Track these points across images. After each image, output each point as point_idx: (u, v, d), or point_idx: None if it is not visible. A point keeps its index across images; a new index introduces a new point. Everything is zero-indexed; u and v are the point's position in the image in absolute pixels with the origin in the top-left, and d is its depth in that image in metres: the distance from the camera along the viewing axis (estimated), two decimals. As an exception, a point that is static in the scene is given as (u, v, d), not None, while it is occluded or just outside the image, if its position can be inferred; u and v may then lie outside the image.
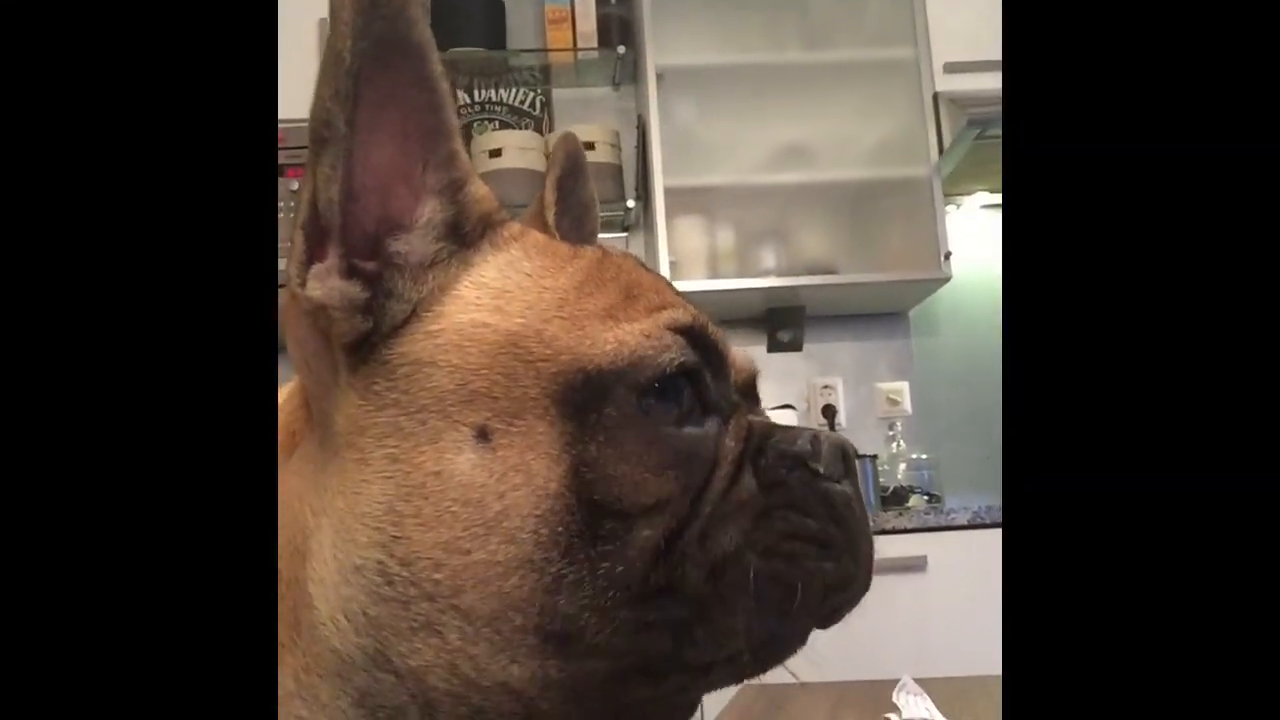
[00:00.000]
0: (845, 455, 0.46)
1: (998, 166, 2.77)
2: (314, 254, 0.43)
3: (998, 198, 3.00)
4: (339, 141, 0.42)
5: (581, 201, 0.63)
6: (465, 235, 0.46)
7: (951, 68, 2.71)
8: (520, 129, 2.95)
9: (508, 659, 0.40)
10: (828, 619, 0.45)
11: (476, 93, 2.99)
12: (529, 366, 0.42)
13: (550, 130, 2.94)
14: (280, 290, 0.43)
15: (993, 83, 2.67)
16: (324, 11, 2.60)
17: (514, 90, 3.00)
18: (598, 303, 0.44)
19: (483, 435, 0.41)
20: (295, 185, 2.44)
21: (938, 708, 0.79)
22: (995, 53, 2.68)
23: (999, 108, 2.58)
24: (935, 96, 2.71)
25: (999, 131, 2.58)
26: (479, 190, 0.47)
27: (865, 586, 0.46)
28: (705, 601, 0.41)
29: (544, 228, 0.58)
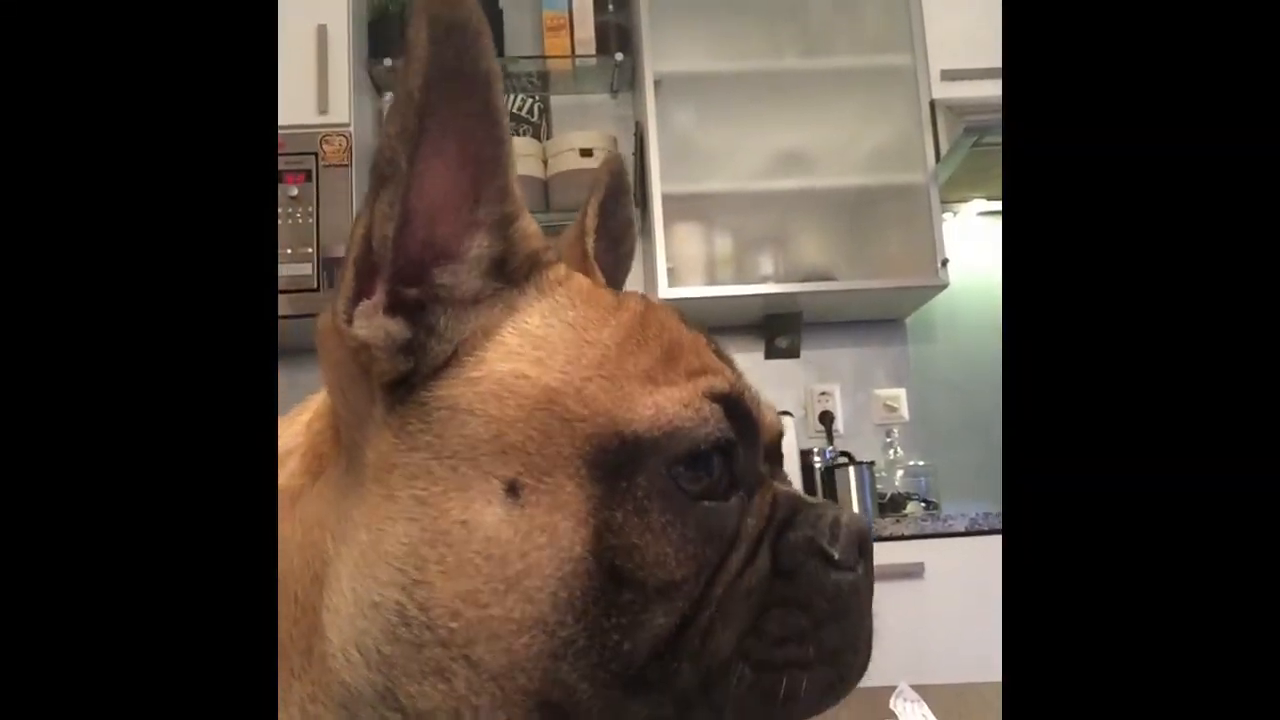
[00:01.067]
0: (863, 543, 0.46)
1: (994, 173, 2.78)
2: (362, 290, 0.43)
3: (994, 205, 3.00)
4: (400, 179, 0.42)
5: (620, 222, 0.62)
6: (511, 273, 0.46)
7: (948, 75, 2.71)
8: (518, 135, 2.95)
9: (504, 716, 0.41)
10: (819, 712, 0.45)
11: (475, 99, 2.99)
12: (565, 425, 0.42)
13: (549, 137, 2.95)
14: (320, 315, 0.44)
15: (989, 90, 2.68)
16: (323, 18, 2.61)
17: (512, 97, 3.01)
18: (639, 363, 0.44)
19: (512, 490, 0.41)
20: (294, 191, 2.41)
21: (935, 715, 0.79)
22: (992, 60, 2.69)
23: (996, 115, 2.59)
24: (932, 104, 2.72)
25: (996, 139, 2.59)
26: (529, 226, 0.46)
27: (861, 674, 0.46)
28: (692, 705, 0.41)
29: (583, 256, 0.58)
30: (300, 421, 0.49)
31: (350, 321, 0.43)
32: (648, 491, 0.41)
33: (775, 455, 0.51)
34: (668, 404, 0.43)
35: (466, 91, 0.42)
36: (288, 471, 0.47)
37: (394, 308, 0.44)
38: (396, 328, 0.43)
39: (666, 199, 2.66)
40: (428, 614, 0.40)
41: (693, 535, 0.42)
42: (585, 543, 0.40)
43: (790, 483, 0.50)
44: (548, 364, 0.43)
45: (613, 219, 0.62)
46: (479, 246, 0.45)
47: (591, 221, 0.60)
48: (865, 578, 0.45)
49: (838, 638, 0.43)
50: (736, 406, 0.45)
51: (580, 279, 0.49)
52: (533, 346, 0.44)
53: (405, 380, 0.43)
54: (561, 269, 0.48)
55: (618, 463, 0.41)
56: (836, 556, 0.44)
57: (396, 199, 0.42)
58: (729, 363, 0.49)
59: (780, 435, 0.51)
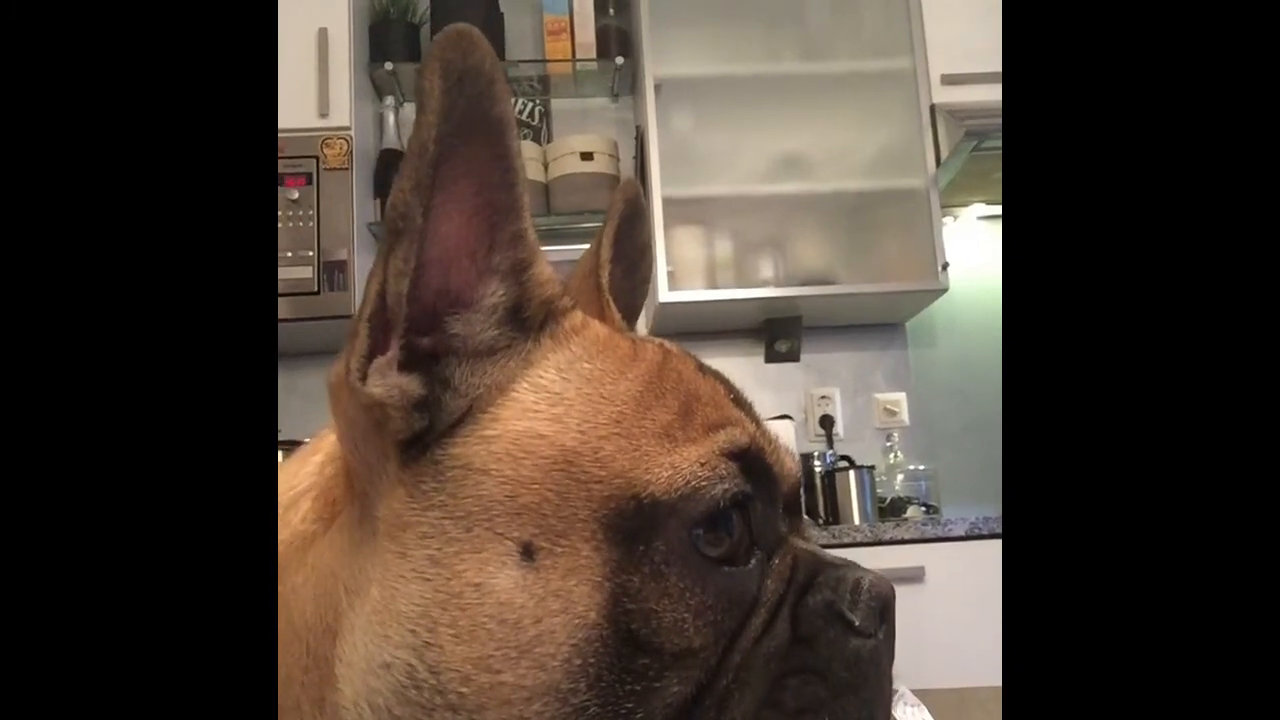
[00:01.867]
0: (885, 608, 0.45)
1: (994, 178, 2.78)
2: (376, 346, 0.42)
3: (994, 209, 3.01)
4: (414, 234, 0.41)
5: (637, 247, 0.62)
6: (526, 321, 0.45)
7: (949, 79, 2.72)
8: (520, 140, 2.95)
9: None
10: None
11: (475, 103, 2.99)
12: (581, 486, 0.41)
13: (549, 140, 2.95)
14: (331, 368, 0.43)
15: (990, 94, 2.68)
16: (323, 21, 2.61)
17: (513, 101, 3.01)
18: (656, 419, 0.43)
19: (527, 553, 0.40)
20: (295, 195, 2.41)
21: (935, 718, 0.78)
22: (992, 65, 2.69)
23: (996, 119, 2.59)
24: (932, 108, 2.72)
25: (996, 143, 2.59)
26: (544, 272, 0.45)
27: None
28: None
29: (597, 289, 0.57)
30: (313, 462, 0.48)
31: (364, 379, 0.42)
32: (666, 556, 0.41)
33: (794, 505, 0.50)
34: (685, 464, 0.42)
35: (480, 139, 0.41)
36: (300, 515, 0.46)
37: (408, 362, 0.43)
38: (411, 384, 0.43)
39: (667, 202, 2.66)
40: (438, 678, 0.40)
41: (712, 601, 0.41)
42: (601, 608, 0.40)
43: (810, 536, 0.49)
44: (564, 422, 0.43)
45: (628, 245, 0.61)
46: (494, 294, 0.44)
47: (606, 253, 0.59)
48: (886, 643, 0.45)
49: (856, 708, 0.42)
50: (756, 461, 0.44)
51: (596, 327, 0.48)
52: (549, 404, 0.43)
53: (420, 438, 0.43)
54: (578, 317, 0.47)
55: (635, 526, 0.41)
56: (857, 623, 0.43)
57: (412, 255, 0.41)
58: (747, 409, 0.48)
59: (799, 483, 0.50)
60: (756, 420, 0.48)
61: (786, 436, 2.72)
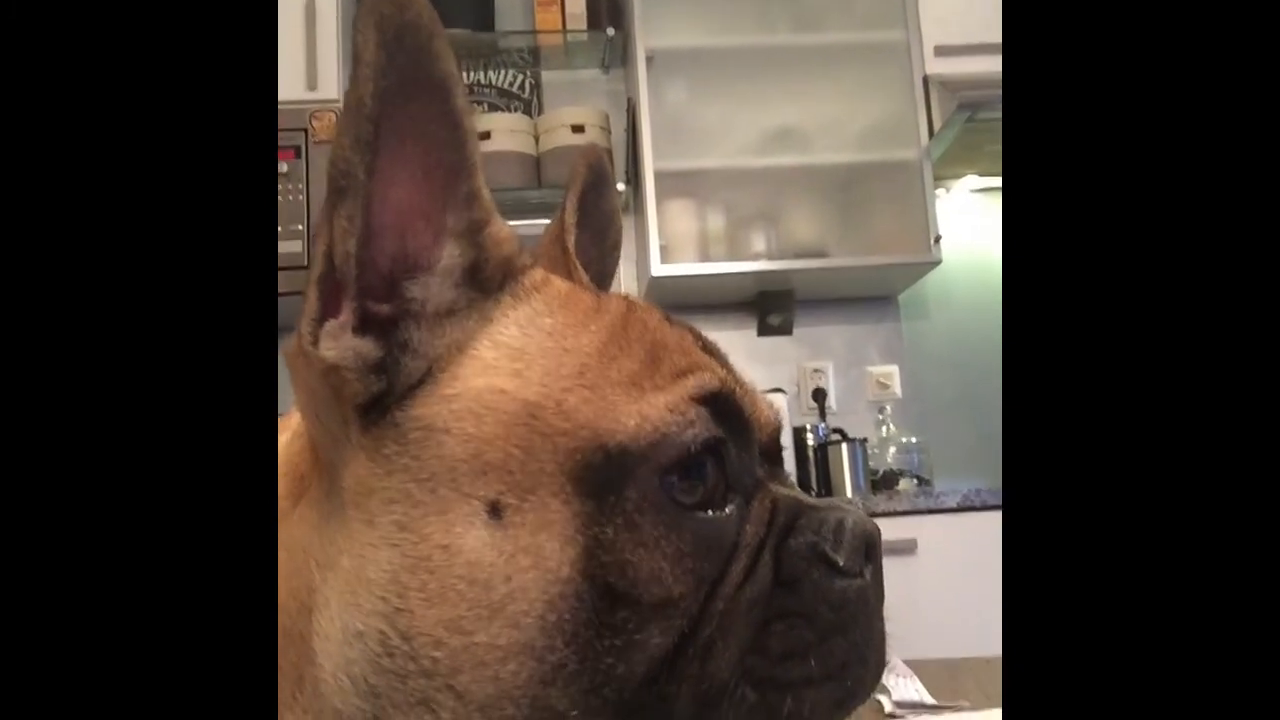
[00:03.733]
0: (869, 546, 0.44)
1: (988, 150, 2.77)
2: (327, 309, 0.42)
3: (987, 181, 3.00)
4: (358, 191, 0.40)
5: (604, 213, 0.60)
6: (485, 281, 0.44)
7: (942, 51, 2.70)
8: (509, 111, 2.93)
9: None
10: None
11: (465, 75, 2.97)
12: (546, 440, 0.40)
13: (540, 113, 2.93)
14: (289, 337, 0.42)
15: (983, 66, 2.66)
16: (311, -8, 2.58)
17: (503, 72, 2.99)
18: (622, 369, 0.42)
19: (494, 510, 0.40)
20: (284, 168, 2.41)
21: (927, 689, 0.79)
22: (986, 36, 2.68)
23: (990, 91, 2.58)
24: (925, 80, 2.71)
25: (989, 115, 2.58)
26: (500, 231, 0.45)
27: (874, 685, 0.44)
28: None
29: (563, 254, 0.56)
30: (281, 441, 0.47)
31: (316, 343, 0.41)
32: (638, 505, 0.40)
33: (774, 453, 0.49)
34: (653, 410, 0.41)
35: (423, 96, 0.40)
36: None
37: (363, 326, 0.42)
38: (367, 347, 0.42)
39: (659, 176, 2.65)
40: (410, 643, 0.39)
41: (689, 548, 0.40)
42: (574, 563, 0.39)
43: (791, 483, 0.48)
44: (526, 376, 0.42)
45: (595, 211, 0.59)
46: (450, 256, 0.43)
47: (571, 217, 0.58)
48: (873, 582, 0.44)
49: (844, 650, 0.42)
50: (727, 404, 0.43)
51: (558, 283, 0.47)
52: (510, 359, 0.42)
53: (379, 401, 0.42)
54: (538, 274, 0.46)
55: (605, 476, 0.40)
56: (841, 563, 0.42)
57: (357, 212, 0.40)
58: (719, 357, 0.48)
59: (778, 430, 0.49)
60: (728, 367, 0.47)
61: (780, 410, 2.71)
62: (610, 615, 0.39)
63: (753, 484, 0.44)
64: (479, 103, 2.96)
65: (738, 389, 0.45)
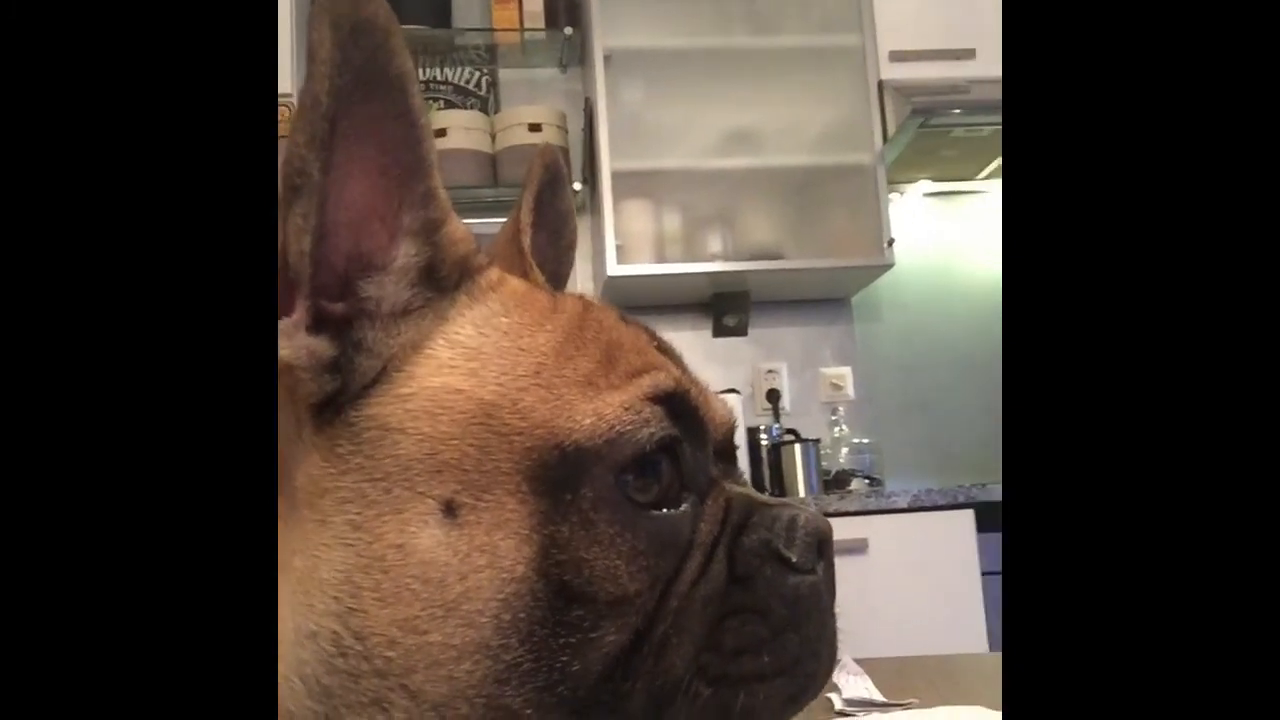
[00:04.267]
0: (821, 543, 0.44)
1: (941, 155, 2.82)
2: (281, 308, 0.41)
3: (940, 186, 3.04)
4: (313, 189, 0.40)
5: (560, 213, 0.60)
6: (441, 281, 0.44)
7: (896, 56, 2.73)
8: (465, 109, 2.91)
9: None
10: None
11: (421, 72, 2.95)
12: (502, 439, 0.40)
13: (496, 111, 2.91)
14: None
15: (937, 71, 2.70)
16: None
17: (459, 69, 2.97)
18: (577, 368, 0.43)
19: (449, 510, 0.39)
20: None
21: (877, 687, 0.80)
22: (939, 42, 2.72)
23: (943, 96, 2.61)
24: (880, 84, 2.74)
25: (942, 120, 2.62)
26: (457, 231, 0.44)
27: (826, 679, 0.45)
28: None
29: (519, 253, 0.56)
30: None
31: None
32: (594, 503, 0.40)
33: (727, 451, 0.49)
34: (608, 409, 0.41)
35: (380, 96, 0.40)
36: None
37: (317, 324, 0.42)
38: (321, 346, 0.41)
39: (616, 176, 2.65)
40: (364, 643, 0.39)
41: (644, 546, 0.40)
42: (529, 561, 0.39)
43: (745, 482, 0.49)
44: (481, 376, 0.42)
45: (550, 211, 0.59)
46: (405, 255, 0.43)
47: (527, 217, 0.58)
48: (825, 579, 0.44)
49: (797, 646, 0.42)
50: (681, 404, 0.44)
51: (514, 282, 0.47)
52: (465, 358, 0.42)
53: (332, 400, 0.41)
54: (494, 273, 0.46)
55: (560, 475, 0.40)
56: (794, 560, 0.43)
57: (311, 210, 0.40)
58: (674, 357, 0.48)
59: (732, 429, 0.50)
60: (683, 366, 0.47)
61: (734, 410, 2.72)
62: (565, 613, 0.39)
63: (707, 482, 0.44)
64: (435, 99, 2.93)
65: (692, 388, 0.45)
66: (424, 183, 0.43)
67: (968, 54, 2.72)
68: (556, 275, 0.60)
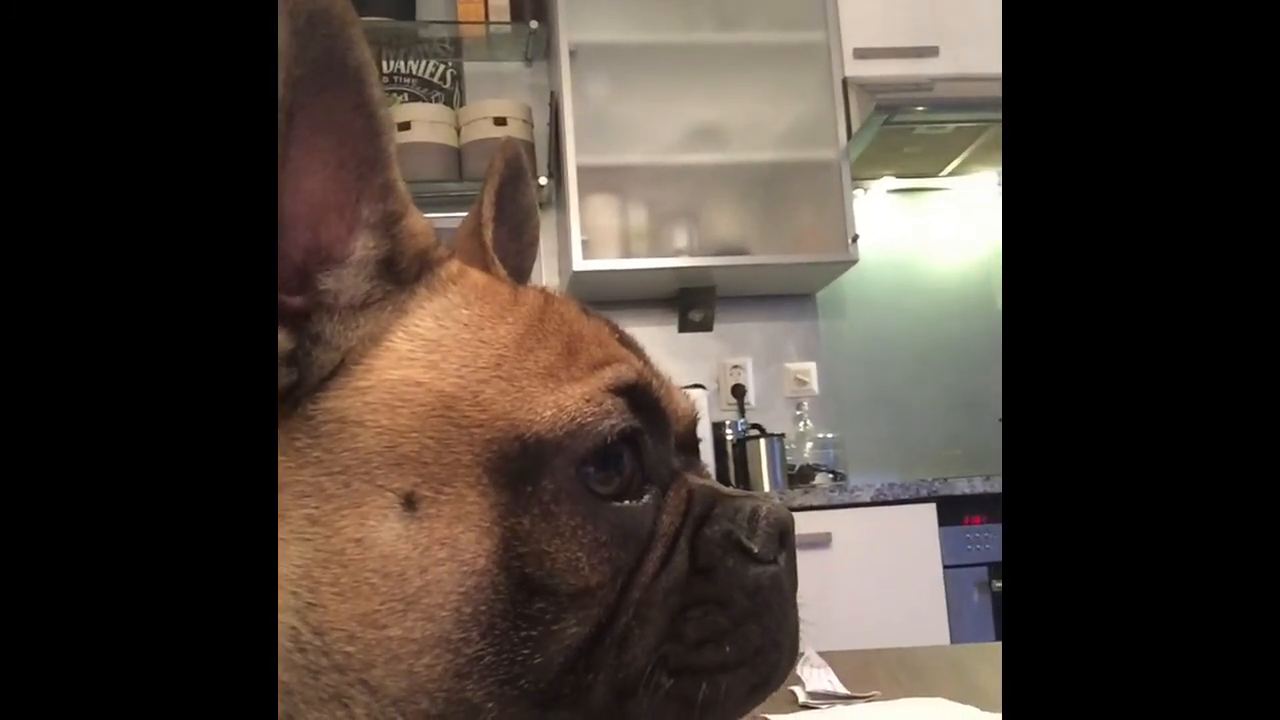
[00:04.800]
0: (782, 534, 0.45)
1: (905, 152, 2.84)
2: None
3: (903, 183, 3.07)
4: None
5: (521, 208, 0.60)
6: (400, 274, 0.44)
7: (861, 53, 2.75)
8: (430, 102, 2.89)
9: None
10: (742, 714, 0.44)
11: (385, 64, 2.93)
12: (462, 431, 0.40)
13: (461, 104, 2.90)
14: None
15: (901, 69, 2.72)
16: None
17: (424, 62, 2.95)
18: (538, 360, 0.42)
19: (409, 503, 0.39)
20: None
21: (840, 680, 0.80)
22: (903, 40, 2.73)
23: (906, 94, 2.63)
24: (845, 81, 2.75)
25: (906, 117, 2.64)
26: (416, 224, 0.44)
27: (787, 671, 0.45)
28: (609, 719, 0.40)
29: (480, 247, 0.56)
30: None
31: None
32: (555, 495, 0.40)
33: (690, 444, 0.49)
34: (569, 401, 0.41)
35: (337, 87, 0.40)
36: None
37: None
38: (279, 338, 0.41)
39: (581, 171, 2.64)
40: (323, 638, 0.38)
41: (606, 538, 0.40)
42: (490, 554, 0.39)
43: (707, 474, 0.49)
44: (442, 368, 0.42)
45: (512, 206, 0.59)
46: (364, 248, 0.43)
47: (488, 211, 0.57)
48: (787, 569, 0.45)
49: (759, 636, 0.42)
50: (643, 396, 0.43)
51: (475, 275, 0.47)
52: (425, 350, 0.42)
53: (290, 394, 0.41)
54: (454, 266, 0.46)
55: (521, 467, 0.40)
56: (756, 550, 0.43)
57: None
58: (636, 350, 0.48)
59: (694, 422, 0.50)
60: (645, 359, 0.47)
61: (699, 405, 2.73)
62: (527, 606, 0.39)
63: (669, 474, 0.45)
64: (399, 92, 2.91)
65: (654, 381, 0.45)
66: (383, 175, 0.42)
67: (931, 52, 2.74)
68: (519, 270, 0.59)
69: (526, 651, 0.39)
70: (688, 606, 0.42)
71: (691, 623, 0.41)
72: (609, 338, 0.46)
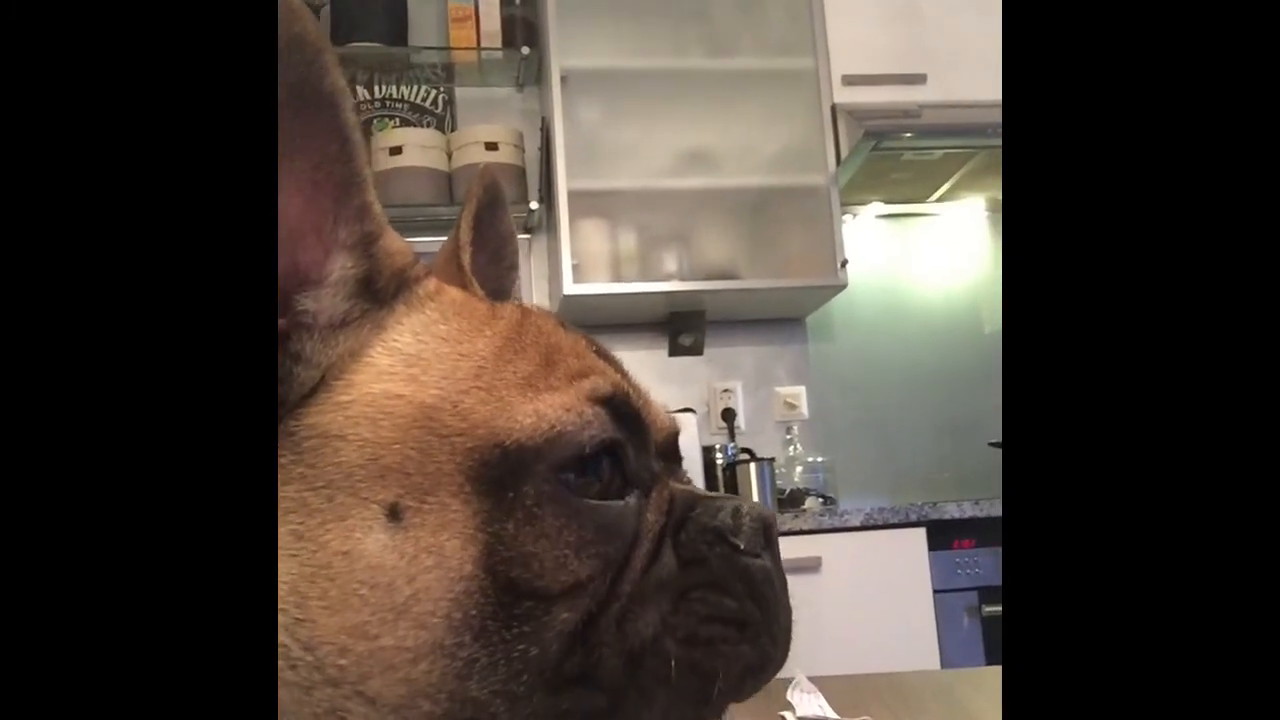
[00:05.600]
0: (766, 528, 0.45)
1: (893, 178, 2.86)
2: None
3: (892, 208, 3.09)
4: None
5: (500, 234, 0.61)
6: (378, 292, 0.44)
7: (849, 80, 2.78)
8: (422, 127, 2.90)
9: None
10: (743, 696, 0.44)
11: (377, 89, 2.94)
12: (444, 441, 0.41)
13: (453, 129, 2.91)
14: None
15: (889, 95, 2.75)
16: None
17: (416, 87, 2.96)
18: (517, 370, 0.43)
19: (393, 514, 0.40)
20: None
21: (830, 705, 0.80)
22: (891, 66, 2.76)
23: (894, 120, 2.66)
24: (833, 107, 2.78)
25: (894, 143, 2.66)
26: (393, 244, 0.45)
27: (782, 663, 0.45)
28: (623, 691, 0.40)
29: (459, 270, 0.56)
30: None
31: None
32: (537, 499, 0.40)
33: (671, 453, 0.50)
34: (549, 410, 0.41)
35: (312, 111, 0.40)
36: None
37: None
38: None
39: (572, 195, 2.65)
40: (314, 654, 0.39)
41: (591, 535, 0.41)
42: (476, 559, 0.39)
43: (690, 481, 0.49)
44: (422, 380, 0.42)
45: (491, 232, 0.60)
46: (342, 269, 0.43)
47: (466, 235, 0.58)
48: (775, 566, 0.45)
49: (758, 617, 0.43)
50: (623, 406, 0.44)
51: (453, 291, 0.47)
52: (405, 364, 0.43)
53: None
54: (432, 283, 0.46)
55: (502, 474, 0.40)
56: (742, 545, 0.44)
57: None
58: (613, 363, 0.48)
59: (675, 433, 0.50)
60: (623, 372, 0.48)
61: (689, 429, 2.75)
62: (517, 606, 0.39)
63: (650, 479, 0.45)
64: (391, 117, 2.92)
65: (632, 392, 0.46)
66: (359, 197, 0.43)
67: (919, 79, 2.77)
68: (499, 292, 0.60)
69: (522, 647, 0.39)
70: (687, 590, 0.42)
71: (697, 600, 0.42)
72: (586, 350, 0.47)
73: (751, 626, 0.43)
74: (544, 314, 0.48)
